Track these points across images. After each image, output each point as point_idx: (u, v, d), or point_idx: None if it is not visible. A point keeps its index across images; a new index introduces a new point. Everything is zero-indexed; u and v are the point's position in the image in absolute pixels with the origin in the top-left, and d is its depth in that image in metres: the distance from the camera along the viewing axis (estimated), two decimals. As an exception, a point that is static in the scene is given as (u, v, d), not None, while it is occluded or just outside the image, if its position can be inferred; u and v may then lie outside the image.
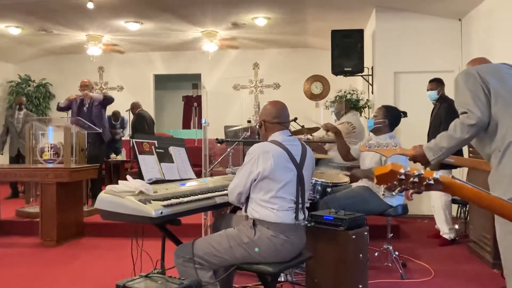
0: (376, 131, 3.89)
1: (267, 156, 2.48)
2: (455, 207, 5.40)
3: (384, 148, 2.47)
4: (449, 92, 4.97)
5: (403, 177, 1.37)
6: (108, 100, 6.38)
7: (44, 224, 4.87)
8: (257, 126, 2.77)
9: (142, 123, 7.58)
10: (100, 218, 2.57)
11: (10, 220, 5.58)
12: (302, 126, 4.93)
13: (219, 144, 4.30)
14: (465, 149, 4.54)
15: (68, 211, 5.09)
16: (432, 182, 1.37)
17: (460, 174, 5.58)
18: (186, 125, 13.37)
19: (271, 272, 2.48)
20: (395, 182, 1.38)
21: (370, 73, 6.86)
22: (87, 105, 6.25)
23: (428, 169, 1.42)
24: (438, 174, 1.37)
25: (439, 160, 2.37)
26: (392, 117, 3.85)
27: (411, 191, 1.39)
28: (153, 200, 2.44)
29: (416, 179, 1.37)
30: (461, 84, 2.28)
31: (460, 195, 1.48)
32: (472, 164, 3.12)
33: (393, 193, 1.41)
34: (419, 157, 2.40)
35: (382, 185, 1.40)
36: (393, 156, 3.57)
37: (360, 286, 3.00)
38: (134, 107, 7.91)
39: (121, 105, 9.03)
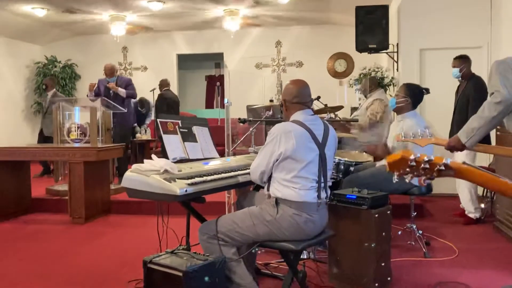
0: (398, 110, 3.83)
1: (289, 136, 2.48)
2: (481, 186, 5.31)
3: (419, 138, 2.55)
4: (477, 69, 4.85)
5: (413, 163, 1.37)
6: (131, 96, 6.59)
7: (72, 202, 5.02)
8: (279, 106, 2.77)
9: (162, 105, 7.62)
10: (127, 196, 2.64)
11: (40, 198, 5.77)
12: (325, 105, 4.90)
13: (241, 124, 4.32)
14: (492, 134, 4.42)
15: (96, 189, 5.23)
16: (442, 168, 1.37)
17: (487, 156, 5.47)
18: (209, 104, 13.43)
19: (293, 250, 2.52)
20: (406, 169, 1.39)
21: (395, 50, 6.72)
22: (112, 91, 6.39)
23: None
24: (448, 160, 1.37)
25: (473, 141, 2.45)
26: (414, 94, 3.77)
27: (423, 177, 1.39)
28: (178, 178, 2.49)
29: (427, 165, 1.37)
30: (493, 70, 2.42)
31: (472, 180, 1.48)
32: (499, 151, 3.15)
33: (406, 180, 1.41)
34: (453, 143, 2.50)
35: (394, 172, 1.41)
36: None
37: (383, 264, 3.01)
38: (161, 85, 7.93)
39: (145, 85, 9.14)
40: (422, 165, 1.37)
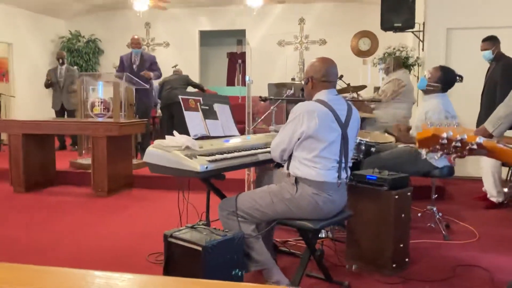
0: (427, 91, 3.77)
1: (312, 115, 2.46)
2: (505, 169, 5.22)
3: (445, 127, 2.52)
4: (508, 49, 4.71)
5: (445, 141, 1.34)
6: (157, 78, 6.75)
7: (95, 176, 5.12)
8: (303, 82, 2.74)
9: (160, 89, 7.87)
10: (148, 171, 2.68)
11: (65, 171, 5.91)
12: (348, 84, 4.84)
13: (262, 102, 4.30)
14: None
15: (118, 163, 5.32)
16: (475, 147, 1.33)
17: None
18: (230, 82, 13.40)
19: (311, 228, 2.53)
20: (437, 146, 1.36)
21: (421, 29, 6.56)
22: (137, 63, 6.42)
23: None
24: (481, 139, 1.33)
25: (500, 130, 2.40)
26: (446, 81, 3.69)
27: (453, 155, 1.37)
28: (199, 155, 2.51)
29: (459, 144, 1.34)
30: None
31: (505, 160, 1.44)
32: None
33: (435, 157, 1.39)
34: (480, 132, 2.45)
35: (424, 149, 1.39)
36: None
37: (401, 245, 3.01)
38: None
39: (167, 62, 9.16)
40: (454, 143, 1.34)
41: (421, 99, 3.86)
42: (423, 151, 1.40)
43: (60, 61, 7.83)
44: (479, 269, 3.08)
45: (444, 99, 3.66)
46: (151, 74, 6.41)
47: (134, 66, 6.43)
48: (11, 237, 3.74)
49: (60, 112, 7.83)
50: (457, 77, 3.76)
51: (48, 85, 7.92)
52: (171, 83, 7.64)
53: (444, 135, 1.33)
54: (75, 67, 9.10)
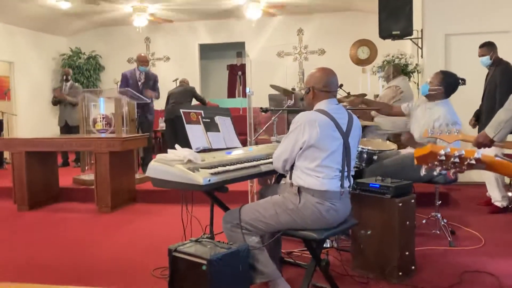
0: (429, 97, 3.75)
1: (313, 125, 2.47)
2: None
3: (446, 134, 2.52)
4: (504, 54, 4.72)
5: (443, 157, 1.35)
6: (155, 98, 6.70)
7: (99, 191, 5.13)
8: (304, 92, 2.74)
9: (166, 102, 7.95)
10: (151, 185, 2.69)
11: (68, 187, 5.92)
12: (348, 93, 4.86)
13: (263, 113, 4.32)
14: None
15: (121, 178, 5.33)
16: (473, 162, 1.34)
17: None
18: (231, 94, 13.46)
19: (316, 238, 2.52)
20: (435, 163, 1.37)
21: (420, 36, 6.59)
22: (142, 80, 6.46)
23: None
24: (479, 153, 1.34)
25: (501, 135, 2.41)
26: (448, 84, 3.65)
27: (452, 170, 1.38)
28: (201, 168, 2.52)
29: (457, 160, 1.35)
30: None
31: (504, 173, 1.45)
32: None
33: (434, 173, 1.40)
34: (481, 138, 2.46)
35: (422, 166, 1.40)
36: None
37: (407, 253, 3.00)
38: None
39: (168, 76, 9.21)
40: (452, 159, 1.35)
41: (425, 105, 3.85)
42: (422, 168, 1.41)
43: (64, 77, 7.93)
44: (486, 275, 3.06)
45: (449, 108, 3.62)
46: (153, 95, 6.50)
47: (140, 84, 6.47)
48: (15, 256, 3.73)
49: (64, 128, 7.87)
50: (460, 81, 3.74)
51: (55, 102, 7.98)
52: (175, 97, 7.66)
53: (442, 151, 1.34)
54: (77, 83, 9.16)
